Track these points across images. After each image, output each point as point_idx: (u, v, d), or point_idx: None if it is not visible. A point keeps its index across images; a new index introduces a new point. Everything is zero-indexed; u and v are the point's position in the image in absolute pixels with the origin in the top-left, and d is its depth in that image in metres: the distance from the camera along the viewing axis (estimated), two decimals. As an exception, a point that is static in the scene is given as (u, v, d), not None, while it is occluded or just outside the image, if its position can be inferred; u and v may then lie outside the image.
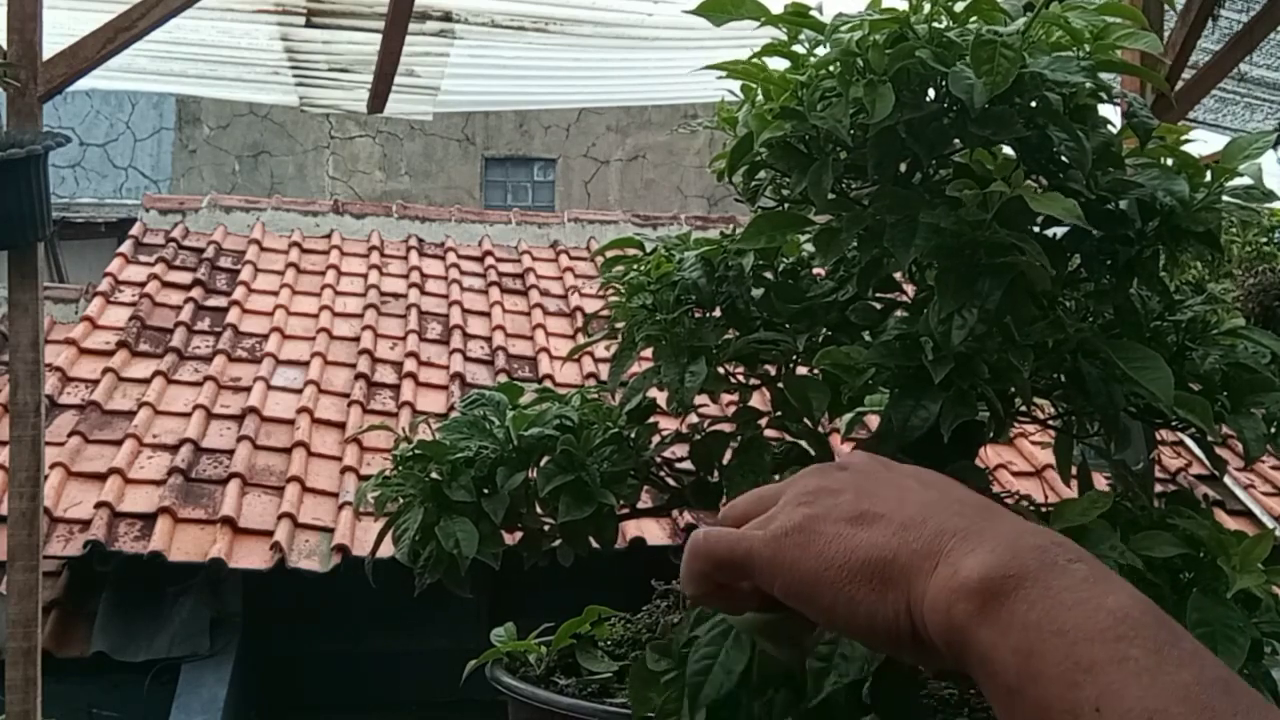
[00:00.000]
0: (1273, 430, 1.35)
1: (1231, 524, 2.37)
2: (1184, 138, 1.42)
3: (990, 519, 0.63)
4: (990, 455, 7.02)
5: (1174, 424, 1.41)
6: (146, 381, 7.33)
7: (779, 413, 1.50)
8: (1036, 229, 1.32)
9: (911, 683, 1.16)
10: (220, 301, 8.40)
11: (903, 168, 1.36)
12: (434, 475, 1.49)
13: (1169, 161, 1.38)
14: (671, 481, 1.62)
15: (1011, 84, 1.21)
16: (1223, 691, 0.52)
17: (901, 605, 0.62)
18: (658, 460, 1.59)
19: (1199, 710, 0.50)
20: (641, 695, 1.21)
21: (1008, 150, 1.27)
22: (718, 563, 0.69)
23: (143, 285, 8.39)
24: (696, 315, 1.51)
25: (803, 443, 1.53)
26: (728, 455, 1.53)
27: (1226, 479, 7.23)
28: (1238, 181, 1.35)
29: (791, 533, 0.67)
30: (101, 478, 6.35)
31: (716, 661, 1.14)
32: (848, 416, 1.60)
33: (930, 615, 0.60)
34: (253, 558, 6.03)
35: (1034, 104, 1.27)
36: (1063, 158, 1.28)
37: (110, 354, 7.56)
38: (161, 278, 8.54)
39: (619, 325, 1.56)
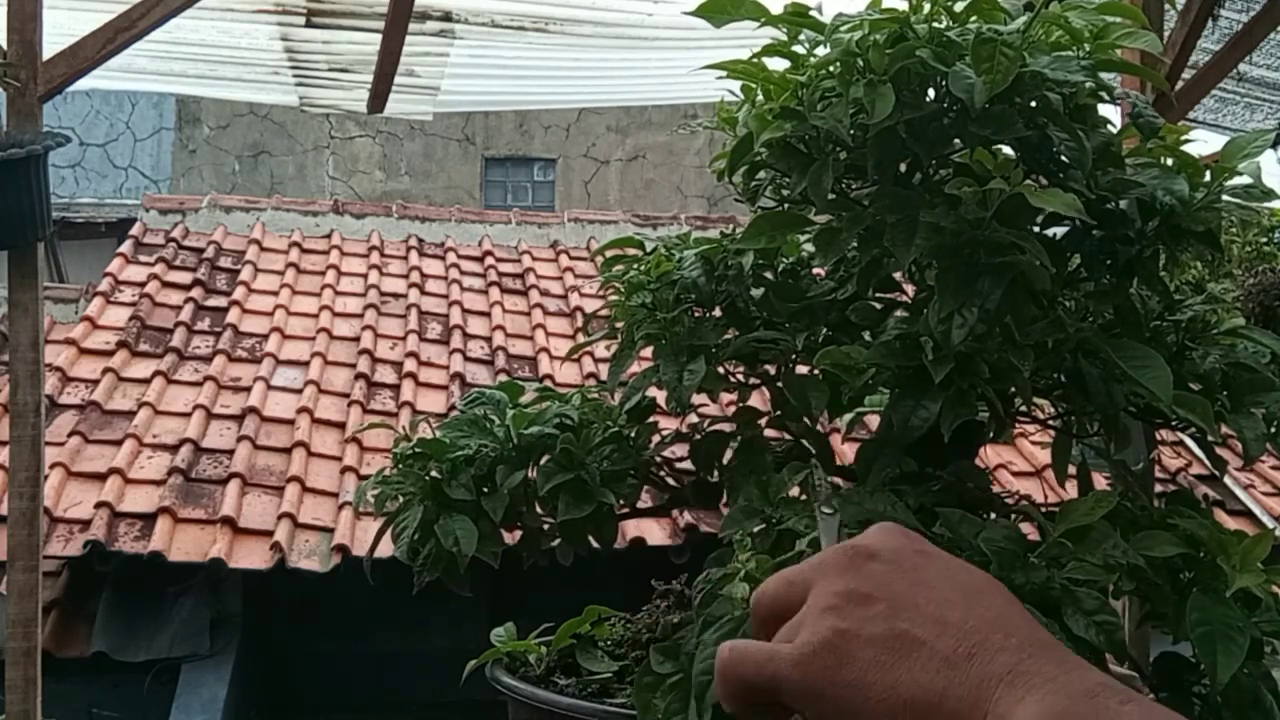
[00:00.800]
0: (1273, 430, 1.35)
1: (1231, 524, 2.37)
2: (1184, 138, 1.42)
3: (1036, 655, 0.60)
4: (990, 455, 7.02)
5: (1174, 424, 1.42)
6: (146, 381, 7.33)
7: (779, 412, 1.50)
8: (1036, 229, 1.32)
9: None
10: (220, 301, 8.39)
11: (903, 168, 1.36)
12: (434, 474, 1.49)
13: (1169, 161, 1.39)
14: (671, 481, 1.62)
15: (1012, 83, 1.21)
16: None
17: None
18: (658, 460, 1.59)
19: None
20: (646, 699, 1.21)
21: (1008, 150, 1.27)
22: (747, 687, 0.65)
23: (143, 285, 8.38)
24: (696, 314, 1.51)
25: (803, 442, 1.53)
26: (728, 455, 1.53)
27: (1226, 479, 7.23)
28: (1237, 181, 1.35)
29: (820, 652, 0.62)
30: (101, 478, 6.34)
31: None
32: (848, 416, 1.60)
33: None
34: (253, 558, 6.03)
35: (1034, 103, 1.27)
36: (1063, 157, 1.28)
37: (110, 354, 7.55)
38: (161, 278, 8.53)
39: (619, 325, 1.56)
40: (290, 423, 7.09)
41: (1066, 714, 0.56)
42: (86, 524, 6.00)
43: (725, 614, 1.18)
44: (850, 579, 0.65)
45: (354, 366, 7.81)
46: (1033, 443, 6.73)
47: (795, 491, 1.33)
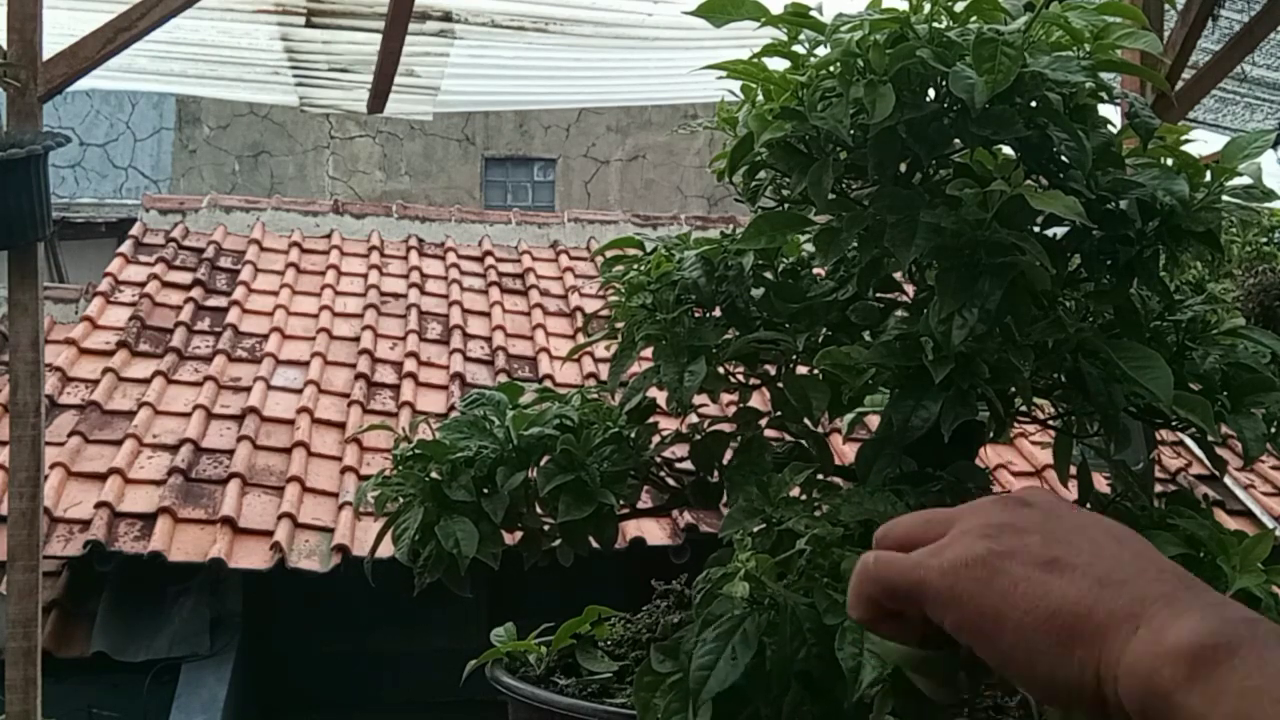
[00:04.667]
0: (1273, 430, 1.35)
1: (1231, 524, 2.37)
2: (1184, 138, 1.42)
3: (1191, 589, 0.61)
4: (990, 455, 7.02)
5: (1174, 424, 1.42)
6: (146, 381, 7.33)
7: (779, 413, 1.50)
8: (1036, 229, 1.32)
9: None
10: (220, 301, 8.39)
11: (903, 168, 1.36)
12: (434, 475, 1.49)
13: (1169, 161, 1.39)
14: (671, 481, 1.62)
15: (1012, 83, 1.21)
16: None
17: (1090, 665, 0.60)
18: (658, 460, 1.59)
19: None
20: (646, 699, 1.21)
21: (1008, 150, 1.27)
22: (887, 588, 0.67)
23: (143, 285, 8.38)
24: (696, 315, 1.51)
25: (803, 442, 1.53)
26: (728, 455, 1.53)
27: (1226, 479, 7.23)
28: (1237, 181, 1.35)
29: (972, 565, 0.64)
30: (101, 478, 6.34)
31: (721, 657, 1.14)
32: (848, 416, 1.60)
33: (1126, 679, 0.58)
34: (253, 558, 6.03)
35: (1034, 104, 1.27)
36: (1063, 158, 1.28)
37: (110, 354, 7.55)
38: (161, 278, 8.53)
39: (619, 325, 1.56)
40: (290, 423, 7.09)
41: (1224, 633, 0.57)
42: (86, 524, 6.00)
43: (725, 613, 1.17)
44: (1005, 515, 0.67)
45: (354, 366, 7.81)
46: (1033, 443, 6.73)
47: (795, 491, 1.33)
